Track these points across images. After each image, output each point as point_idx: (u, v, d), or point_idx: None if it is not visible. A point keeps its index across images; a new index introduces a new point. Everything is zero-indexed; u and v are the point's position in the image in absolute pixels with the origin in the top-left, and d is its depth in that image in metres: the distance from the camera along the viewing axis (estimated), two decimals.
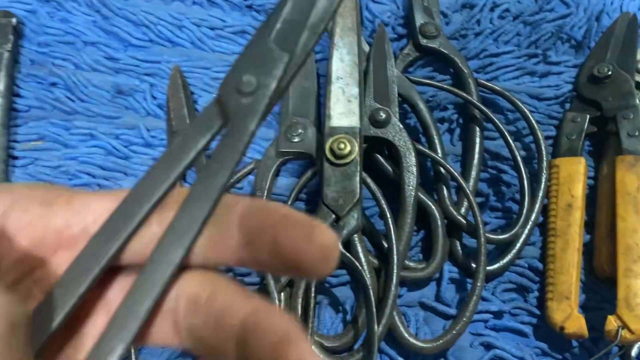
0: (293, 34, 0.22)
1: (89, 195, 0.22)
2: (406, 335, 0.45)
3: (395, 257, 0.45)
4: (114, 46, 0.57)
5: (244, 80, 0.22)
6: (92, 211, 0.22)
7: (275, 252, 0.20)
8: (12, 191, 0.22)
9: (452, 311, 0.48)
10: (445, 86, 0.54)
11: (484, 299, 0.48)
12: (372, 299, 0.44)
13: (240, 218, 0.20)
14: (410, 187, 0.48)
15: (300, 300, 0.45)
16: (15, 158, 0.52)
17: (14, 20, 0.55)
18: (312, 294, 0.45)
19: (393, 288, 0.45)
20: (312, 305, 0.45)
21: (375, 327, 0.43)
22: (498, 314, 0.49)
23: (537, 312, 0.49)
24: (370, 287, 0.44)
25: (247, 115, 0.21)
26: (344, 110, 0.49)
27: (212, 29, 0.58)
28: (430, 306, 0.48)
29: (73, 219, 0.22)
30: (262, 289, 0.46)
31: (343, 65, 0.51)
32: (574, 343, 0.48)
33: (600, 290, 0.49)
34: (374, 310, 0.43)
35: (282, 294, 0.46)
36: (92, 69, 0.56)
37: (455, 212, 0.49)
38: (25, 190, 0.22)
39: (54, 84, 0.55)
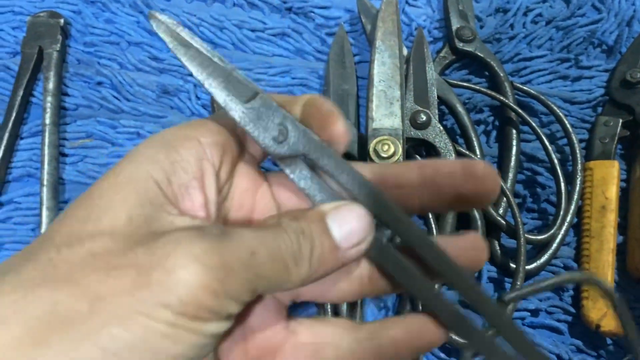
0: None
1: None
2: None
3: None
4: (158, 46, 0.58)
5: None
6: None
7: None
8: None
9: None
10: (482, 89, 0.55)
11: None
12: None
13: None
14: None
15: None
16: (65, 155, 0.54)
17: (61, 20, 0.57)
18: None
19: (435, 287, 0.46)
20: (359, 301, 0.46)
21: None
22: (535, 312, 0.50)
23: (572, 310, 0.50)
24: None
25: None
26: (386, 112, 0.51)
27: (252, 30, 0.59)
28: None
29: None
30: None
31: (384, 68, 0.52)
32: (609, 340, 0.49)
33: (633, 290, 0.51)
34: (420, 308, 0.45)
35: None
36: (136, 69, 0.57)
37: (495, 213, 0.50)
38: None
39: (100, 83, 0.56)
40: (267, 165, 0.51)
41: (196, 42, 0.27)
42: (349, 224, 0.26)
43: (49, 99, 0.54)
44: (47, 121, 0.53)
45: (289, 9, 0.60)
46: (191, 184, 0.25)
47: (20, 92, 0.54)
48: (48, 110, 0.53)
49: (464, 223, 0.51)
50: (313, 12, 0.60)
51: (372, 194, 0.28)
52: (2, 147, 0.52)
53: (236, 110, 0.27)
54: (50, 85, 0.54)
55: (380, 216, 0.28)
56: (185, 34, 0.27)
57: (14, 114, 0.53)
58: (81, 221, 0.23)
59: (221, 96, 0.26)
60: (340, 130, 0.27)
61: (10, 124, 0.53)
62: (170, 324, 0.20)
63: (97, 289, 0.20)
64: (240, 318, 0.27)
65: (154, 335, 0.20)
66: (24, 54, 0.55)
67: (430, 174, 0.28)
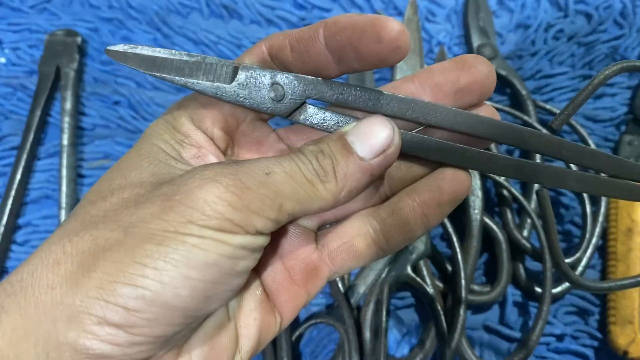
0: None
1: None
2: (474, 358, 0.46)
3: (463, 281, 0.46)
4: None
5: None
6: None
7: (359, 59, 0.26)
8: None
9: (516, 334, 0.48)
10: (505, 108, 0.54)
11: (547, 322, 0.49)
12: (444, 323, 0.44)
13: (324, 44, 0.26)
14: (476, 211, 0.49)
15: (368, 322, 0.46)
16: (83, 177, 0.53)
17: (78, 39, 0.56)
18: (383, 318, 0.46)
19: (462, 312, 0.45)
20: (382, 328, 0.45)
21: (447, 350, 0.44)
22: (560, 337, 0.49)
23: (598, 335, 0.49)
24: (440, 310, 0.45)
25: None
26: None
27: None
28: (495, 329, 0.49)
29: None
30: (330, 312, 0.47)
31: None
32: None
33: None
34: (446, 334, 0.44)
35: (351, 318, 0.46)
36: (153, 88, 0.56)
37: (519, 236, 0.49)
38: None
39: (117, 103, 0.56)
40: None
41: (160, 52, 0.27)
42: (369, 134, 0.27)
43: (67, 119, 0.53)
44: (65, 142, 0.52)
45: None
46: (201, 152, 0.28)
47: (38, 113, 0.53)
48: (66, 131, 0.53)
49: (488, 246, 0.50)
50: None
51: (385, 98, 0.28)
52: (21, 169, 0.51)
53: (227, 93, 0.27)
54: (68, 105, 0.54)
55: (400, 114, 0.28)
56: (146, 50, 0.27)
57: (31, 135, 0.52)
58: (110, 180, 0.26)
59: (208, 88, 0.27)
60: (396, 29, 0.25)
61: (28, 145, 0.52)
62: (197, 237, 0.23)
63: (129, 220, 0.23)
64: (275, 246, 0.30)
65: (184, 246, 0.23)
66: (41, 73, 0.55)
67: (426, 77, 0.28)
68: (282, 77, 0.27)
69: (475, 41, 0.58)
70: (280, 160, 0.25)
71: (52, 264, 0.23)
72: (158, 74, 0.27)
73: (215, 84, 0.27)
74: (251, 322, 0.28)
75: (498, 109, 0.55)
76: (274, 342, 0.45)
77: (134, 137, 0.54)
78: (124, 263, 0.22)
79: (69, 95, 0.54)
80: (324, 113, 0.28)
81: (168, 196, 0.24)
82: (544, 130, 0.52)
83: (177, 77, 0.27)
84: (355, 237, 0.30)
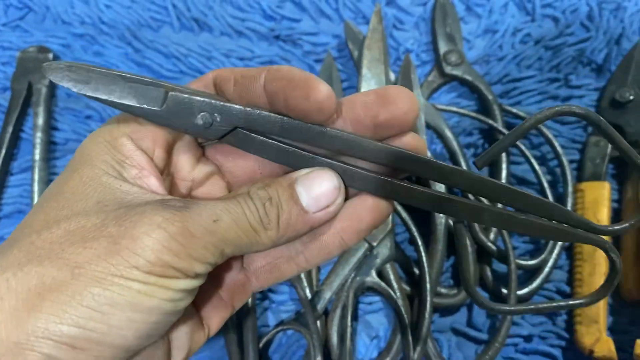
0: None
1: None
2: None
3: (428, 284, 0.47)
4: None
5: None
6: None
7: (287, 108, 0.27)
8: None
9: (484, 336, 0.49)
10: (471, 113, 0.55)
11: (514, 323, 0.49)
12: (408, 327, 0.45)
13: (263, 85, 0.28)
14: (441, 215, 0.49)
15: (335, 327, 0.47)
16: None
17: (50, 55, 0.57)
18: (349, 322, 0.46)
19: (427, 315, 0.46)
20: (348, 333, 0.46)
21: (412, 353, 0.45)
22: (528, 338, 0.50)
23: (565, 335, 0.50)
24: (405, 315, 0.46)
25: None
26: None
27: (241, 59, 0.59)
28: (462, 331, 0.49)
29: None
30: (299, 318, 0.48)
31: None
32: None
33: (627, 313, 0.51)
34: (410, 337, 0.45)
35: (318, 322, 0.47)
36: None
37: (485, 238, 0.50)
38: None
39: (89, 117, 0.57)
40: None
41: (94, 72, 0.27)
42: (317, 188, 0.28)
43: (39, 134, 0.54)
44: (37, 157, 0.53)
45: (277, 37, 0.61)
46: (142, 174, 0.28)
47: (10, 129, 0.54)
48: (38, 146, 0.54)
49: (452, 249, 0.51)
50: (301, 39, 0.60)
51: (308, 130, 0.28)
52: None
53: (157, 117, 0.27)
54: (40, 120, 0.55)
55: (325, 146, 0.28)
56: (81, 69, 0.27)
57: (3, 151, 0.53)
58: (56, 209, 0.26)
59: (139, 111, 0.27)
60: (323, 93, 0.27)
61: (0, 161, 0.53)
62: (142, 282, 0.24)
63: (76, 259, 0.24)
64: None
65: (129, 292, 0.24)
66: (13, 90, 0.56)
67: (347, 109, 0.28)
68: (211, 106, 0.28)
69: (442, 47, 0.59)
70: (228, 206, 0.26)
71: None
72: (90, 94, 0.27)
73: (145, 108, 0.27)
74: (182, 335, 0.29)
75: (464, 115, 0.56)
76: (242, 349, 0.46)
77: None
78: (71, 306, 0.23)
79: (41, 110, 0.55)
80: (252, 141, 0.29)
81: (115, 238, 0.24)
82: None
83: (109, 99, 0.27)
84: (278, 257, 0.31)
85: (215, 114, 0.28)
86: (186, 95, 0.27)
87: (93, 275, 0.24)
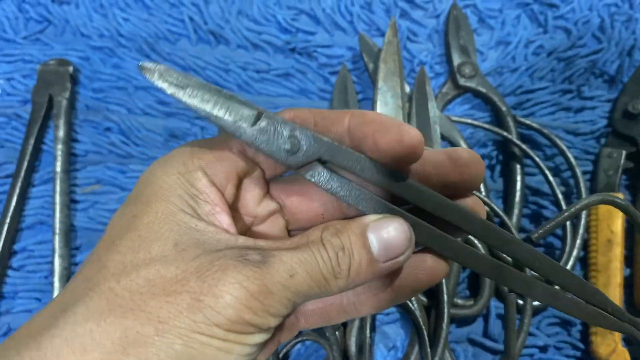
0: None
1: None
2: None
3: (445, 296, 0.47)
4: None
5: None
6: None
7: (376, 151, 0.27)
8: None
9: (500, 346, 0.49)
10: (485, 125, 0.56)
11: (529, 334, 0.50)
12: (426, 337, 0.46)
13: (347, 129, 0.28)
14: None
15: (354, 338, 0.47)
16: (76, 202, 0.55)
17: (70, 68, 0.58)
18: (367, 333, 0.47)
19: (444, 326, 0.47)
20: (367, 344, 0.47)
21: None
22: (543, 348, 0.50)
23: (580, 345, 0.50)
24: (423, 326, 0.46)
25: None
26: None
27: (257, 72, 0.60)
28: (479, 342, 0.50)
29: None
30: (317, 329, 0.48)
31: (387, 109, 0.53)
32: None
33: None
34: (428, 349, 0.45)
35: (337, 332, 0.48)
36: (144, 113, 0.58)
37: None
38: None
39: (108, 129, 0.57)
40: None
41: (191, 80, 0.28)
42: (389, 239, 0.27)
43: (60, 146, 0.55)
44: (58, 169, 0.54)
45: (293, 50, 0.61)
46: (215, 210, 0.28)
47: (32, 141, 0.55)
48: (59, 158, 0.54)
49: None
50: (316, 52, 0.61)
51: (389, 174, 0.28)
52: (15, 196, 0.53)
53: (246, 134, 0.28)
54: (61, 132, 0.55)
55: (402, 194, 0.28)
56: (178, 74, 0.28)
57: (25, 163, 0.54)
58: (132, 251, 0.26)
59: (229, 125, 0.28)
60: (416, 138, 0.27)
61: (22, 173, 0.54)
62: (222, 339, 0.25)
63: (158, 314, 0.24)
64: None
65: (210, 349, 0.25)
66: (34, 103, 0.57)
67: (417, 166, 0.29)
68: (301, 132, 0.28)
69: (456, 59, 0.60)
70: (303, 257, 0.26)
71: (79, 349, 0.24)
72: (184, 98, 0.27)
73: (237, 123, 0.28)
74: None
75: (478, 126, 0.56)
76: None
77: (125, 161, 0.56)
78: None
79: (61, 123, 0.56)
80: (331, 177, 0.29)
81: (197, 295, 0.25)
82: (522, 145, 0.53)
83: (201, 106, 0.28)
84: (331, 304, 0.31)
85: (303, 142, 0.28)
86: (278, 120, 0.28)
87: (176, 331, 0.24)
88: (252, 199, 0.31)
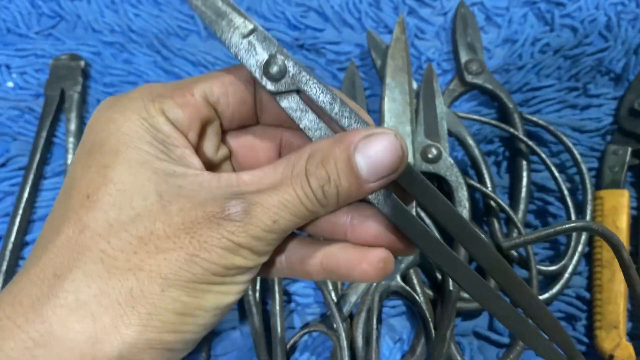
0: None
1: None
2: None
3: (451, 289, 0.48)
4: None
5: None
6: None
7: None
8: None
9: (505, 340, 0.50)
10: (492, 121, 0.56)
11: None
12: (432, 330, 0.46)
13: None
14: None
15: (360, 330, 0.48)
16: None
17: (82, 63, 0.59)
18: (374, 325, 0.47)
19: (450, 320, 0.47)
20: (373, 335, 0.47)
21: (436, 356, 0.46)
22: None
23: (585, 340, 0.51)
24: (429, 319, 0.47)
25: None
26: None
27: None
28: (484, 335, 0.50)
29: None
30: (324, 320, 0.49)
31: (395, 105, 0.54)
32: None
33: None
34: (434, 341, 0.46)
35: (344, 324, 0.48)
36: None
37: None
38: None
39: None
40: None
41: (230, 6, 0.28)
42: (379, 159, 0.26)
43: (71, 139, 0.56)
44: (69, 162, 0.55)
45: (301, 46, 0.62)
46: (185, 153, 0.28)
47: (44, 134, 0.56)
48: (70, 150, 0.55)
49: None
50: (324, 48, 0.62)
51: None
52: (28, 188, 0.54)
53: (234, 43, 0.28)
54: (72, 126, 0.56)
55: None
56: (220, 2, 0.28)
57: (37, 155, 0.55)
58: (114, 207, 0.25)
59: (223, 28, 0.28)
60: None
61: (34, 165, 0.55)
62: (220, 284, 0.26)
63: (159, 271, 0.25)
64: None
65: (212, 295, 0.26)
66: (47, 97, 0.57)
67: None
68: (287, 58, 0.27)
69: (463, 57, 0.60)
70: (286, 201, 0.26)
71: (87, 316, 0.24)
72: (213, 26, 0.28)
73: (229, 30, 0.28)
74: None
75: (485, 122, 0.57)
76: (269, 350, 0.47)
77: None
78: (167, 316, 0.25)
79: (73, 116, 0.57)
80: (307, 111, 0.28)
81: (190, 251, 0.25)
82: (528, 141, 0.54)
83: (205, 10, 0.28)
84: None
85: (289, 69, 0.27)
86: (271, 38, 0.28)
87: (180, 285, 0.25)
88: (211, 147, 0.30)
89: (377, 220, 0.28)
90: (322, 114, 0.28)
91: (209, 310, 0.26)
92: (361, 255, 0.28)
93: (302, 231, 0.30)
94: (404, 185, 0.28)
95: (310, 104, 0.28)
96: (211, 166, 0.30)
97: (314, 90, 0.28)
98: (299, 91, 0.28)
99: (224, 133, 0.31)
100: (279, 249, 0.30)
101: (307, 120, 0.28)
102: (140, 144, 0.26)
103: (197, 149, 0.29)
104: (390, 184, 0.27)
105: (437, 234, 0.29)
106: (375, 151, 0.26)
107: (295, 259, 0.30)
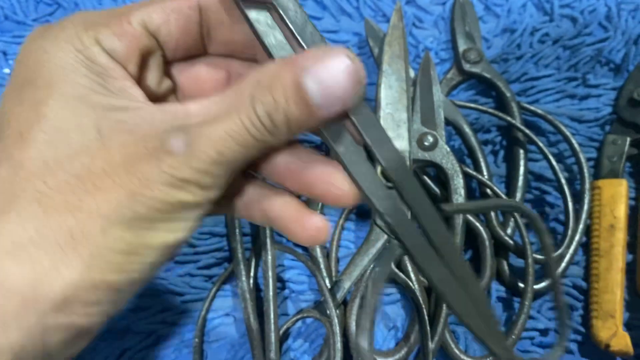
0: None
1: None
2: (457, 352, 0.47)
3: None
4: None
5: None
6: None
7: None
8: None
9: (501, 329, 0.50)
10: (489, 110, 0.56)
11: (530, 317, 0.50)
12: (426, 317, 0.46)
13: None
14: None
15: (354, 317, 0.48)
16: None
17: None
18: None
19: (444, 307, 0.47)
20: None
21: (429, 344, 0.45)
22: (544, 332, 0.50)
23: (582, 329, 0.50)
24: (423, 306, 0.47)
25: None
26: (393, 134, 0.52)
27: None
28: None
29: None
30: (318, 307, 0.49)
31: (391, 91, 0.53)
32: None
33: None
34: (428, 328, 0.46)
35: (337, 310, 0.48)
36: None
37: (502, 233, 0.51)
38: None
39: None
40: None
41: None
42: (332, 85, 0.24)
43: None
44: None
45: None
46: (125, 85, 0.26)
47: None
48: None
49: (472, 244, 0.52)
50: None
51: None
52: None
53: None
54: None
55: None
56: None
57: None
58: (50, 145, 0.24)
59: None
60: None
61: None
62: (166, 221, 0.25)
63: (99, 210, 0.24)
64: None
65: (159, 232, 0.25)
66: None
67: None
68: None
69: (461, 46, 0.60)
70: (230, 131, 0.24)
71: (24, 260, 0.23)
72: None
73: None
74: None
75: (483, 111, 0.56)
76: (262, 336, 0.47)
77: None
78: (111, 257, 0.24)
79: None
80: (276, 30, 0.26)
81: (131, 188, 0.24)
82: (526, 130, 0.53)
83: None
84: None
85: None
86: None
87: (122, 222, 0.24)
88: (154, 80, 0.29)
89: (325, 163, 0.28)
90: (291, 37, 0.26)
91: (156, 249, 0.25)
92: (299, 217, 0.28)
93: (258, 173, 0.29)
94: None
95: (280, 24, 0.26)
96: (155, 100, 0.28)
97: (289, 5, 0.25)
98: (270, 8, 0.26)
99: (168, 64, 0.30)
100: (234, 188, 0.29)
101: (274, 37, 0.26)
102: (75, 77, 0.25)
103: (139, 82, 0.28)
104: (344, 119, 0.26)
105: (382, 180, 0.28)
106: (328, 75, 0.24)
107: (245, 201, 0.29)
